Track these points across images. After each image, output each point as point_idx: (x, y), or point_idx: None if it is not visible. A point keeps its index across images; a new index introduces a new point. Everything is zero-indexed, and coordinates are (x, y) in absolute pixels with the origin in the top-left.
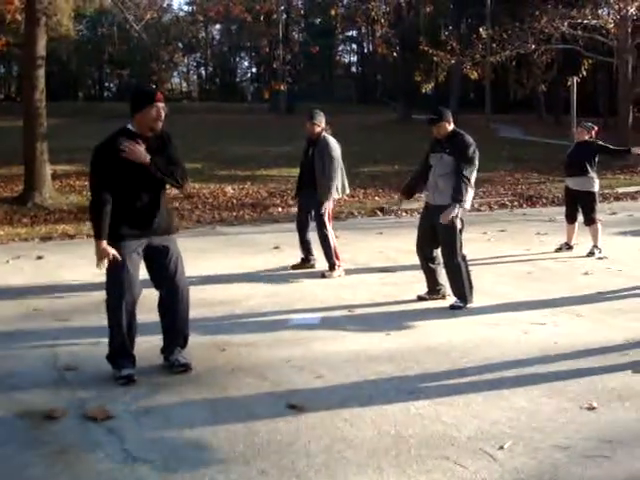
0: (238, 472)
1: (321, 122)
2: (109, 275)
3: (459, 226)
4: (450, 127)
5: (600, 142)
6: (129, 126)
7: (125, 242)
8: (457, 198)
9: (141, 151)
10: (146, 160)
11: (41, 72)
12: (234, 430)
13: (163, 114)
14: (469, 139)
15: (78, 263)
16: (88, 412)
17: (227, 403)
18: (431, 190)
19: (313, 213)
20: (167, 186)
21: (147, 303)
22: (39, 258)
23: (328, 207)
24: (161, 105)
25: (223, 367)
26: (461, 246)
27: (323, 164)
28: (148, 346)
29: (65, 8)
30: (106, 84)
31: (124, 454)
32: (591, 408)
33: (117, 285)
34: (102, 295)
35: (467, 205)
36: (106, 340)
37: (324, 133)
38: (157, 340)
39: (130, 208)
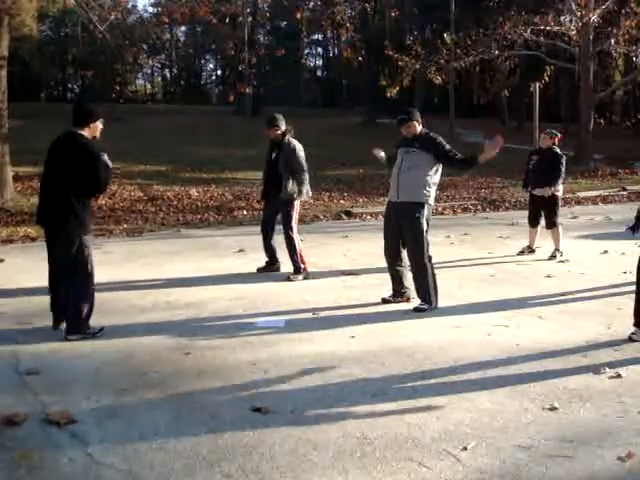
0: (203, 476)
1: (281, 125)
2: (82, 258)
3: (425, 227)
4: (419, 128)
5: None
6: (84, 133)
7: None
8: (469, 160)
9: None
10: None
11: (3, 73)
12: (198, 434)
13: None
14: (437, 135)
15: (40, 266)
16: (51, 416)
17: (192, 406)
18: (394, 187)
19: (280, 216)
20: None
21: (108, 309)
22: (0, 261)
23: (296, 210)
24: None
25: (188, 370)
26: (428, 246)
27: (292, 169)
28: (112, 350)
29: (29, 8)
30: (69, 85)
31: (88, 458)
32: (553, 409)
33: (89, 266)
34: None
35: (431, 201)
36: (68, 344)
37: (288, 136)
38: (121, 343)
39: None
